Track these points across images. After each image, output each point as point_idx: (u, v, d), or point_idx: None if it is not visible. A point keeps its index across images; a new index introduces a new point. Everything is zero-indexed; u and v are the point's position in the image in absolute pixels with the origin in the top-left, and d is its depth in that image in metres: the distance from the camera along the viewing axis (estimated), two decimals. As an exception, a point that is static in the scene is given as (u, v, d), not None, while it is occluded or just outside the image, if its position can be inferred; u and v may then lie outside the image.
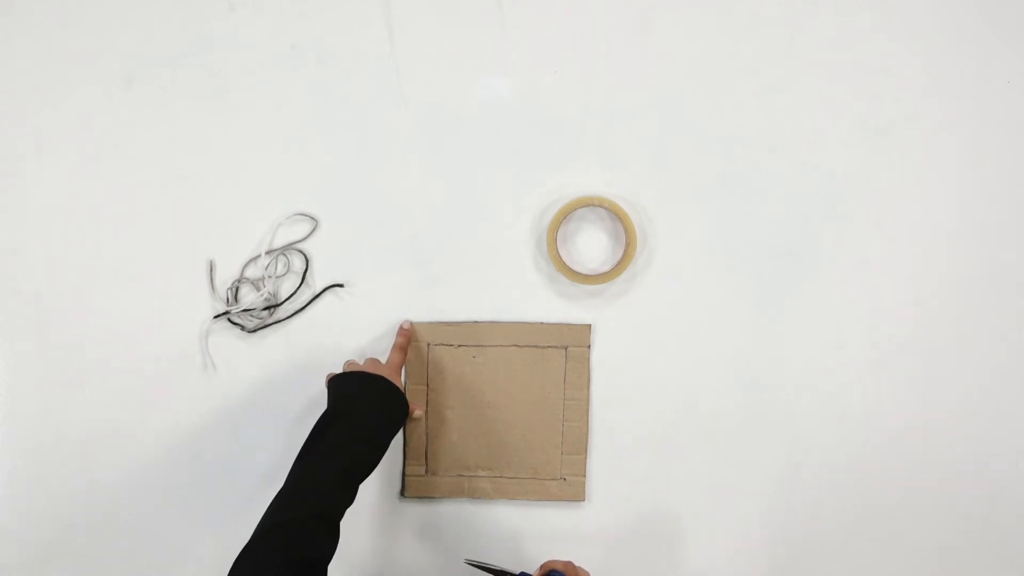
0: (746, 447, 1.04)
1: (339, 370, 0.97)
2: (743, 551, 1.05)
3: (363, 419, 0.88)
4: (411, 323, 1.03)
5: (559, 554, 1.04)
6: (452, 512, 1.06)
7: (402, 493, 1.05)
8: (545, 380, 1.03)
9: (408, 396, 1.03)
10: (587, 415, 1.03)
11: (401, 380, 0.94)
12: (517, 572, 0.91)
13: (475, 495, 1.05)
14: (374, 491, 1.05)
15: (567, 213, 1.00)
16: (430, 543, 1.06)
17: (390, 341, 1.03)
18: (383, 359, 0.99)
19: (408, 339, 1.02)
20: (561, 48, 1.01)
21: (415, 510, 1.06)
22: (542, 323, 1.03)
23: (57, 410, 1.04)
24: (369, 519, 1.03)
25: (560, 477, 1.05)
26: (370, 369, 0.94)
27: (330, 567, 0.89)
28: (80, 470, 1.05)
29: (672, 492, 1.04)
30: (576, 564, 0.88)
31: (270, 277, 1.02)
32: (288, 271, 1.03)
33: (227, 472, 1.05)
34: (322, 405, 1.03)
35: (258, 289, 1.02)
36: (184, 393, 1.04)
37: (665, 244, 1.02)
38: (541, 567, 0.88)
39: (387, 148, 1.02)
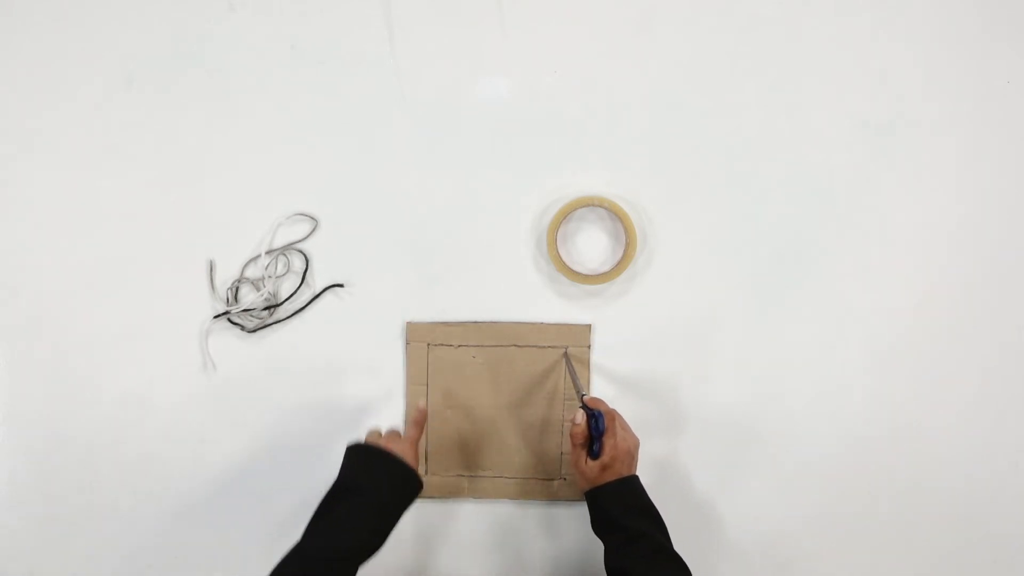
0: (746, 446, 1.04)
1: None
2: (743, 551, 1.05)
3: (371, 497, 0.87)
4: (426, 403, 1.02)
5: (562, 553, 1.05)
6: (452, 512, 1.06)
7: (402, 493, 1.05)
8: (545, 380, 1.03)
9: (408, 396, 1.03)
10: (587, 415, 1.03)
11: (418, 455, 0.94)
12: (582, 395, 0.96)
13: (475, 495, 1.05)
14: (374, 491, 1.05)
15: (567, 213, 1.00)
16: (430, 543, 1.06)
17: (390, 341, 1.03)
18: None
19: (424, 417, 1.00)
20: (561, 48, 1.01)
21: (415, 510, 1.05)
22: (542, 323, 1.03)
23: (57, 410, 1.05)
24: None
25: (560, 477, 1.05)
26: (387, 443, 0.92)
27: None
28: (80, 470, 1.05)
29: (671, 492, 1.04)
30: (621, 420, 0.93)
31: (270, 277, 1.02)
32: (288, 271, 1.03)
33: (227, 472, 1.05)
34: (322, 408, 1.04)
35: (258, 289, 1.02)
36: (184, 393, 1.04)
37: (665, 244, 1.02)
38: (590, 401, 0.94)
39: (387, 148, 1.02)
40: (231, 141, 1.02)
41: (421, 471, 1.04)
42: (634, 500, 0.89)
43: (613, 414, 0.92)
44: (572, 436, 0.92)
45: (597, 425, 0.91)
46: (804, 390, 1.03)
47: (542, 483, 1.05)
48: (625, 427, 0.93)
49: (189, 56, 1.01)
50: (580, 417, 0.92)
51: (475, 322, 1.03)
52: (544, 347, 1.03)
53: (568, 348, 1.02)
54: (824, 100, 1.00)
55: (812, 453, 1.04)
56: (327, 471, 1.04)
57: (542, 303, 1.03)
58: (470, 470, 1.05)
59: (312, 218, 1.03)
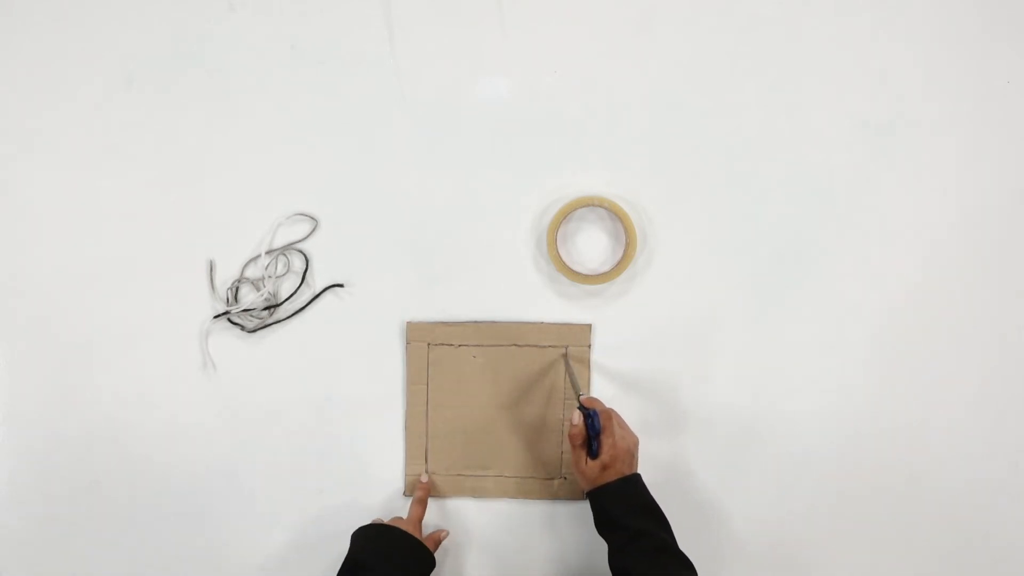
0: (746, 447, 1.04)
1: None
2: (743, 550, 1.05)
3: (384, 572, 0.88)
4: (429, 476, 1.03)
5: (563, 552, 1.05)
6: (453, 511, 1.06)
7: (404, 492, 1.05)
8: (545, 380, 1.03)
9: (408, 396, 1.03)
10: (587, 415, 1.04)
11: (421, 532, 0.96)
12: (579, 395, 0.96)
13: (476, 494, 1.05)
14: (377, 491, 1.05)
15: (567, 213, 1.00)
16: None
17: (390, 341, 1.03)
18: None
19: (427, 492, 1.02)
20: (561, 48, 1.01)
21: (415, 510, 1.06)
22: (542, 323, 1.03)
23: (57, 410, 1.04)
24: (372, 518, 1.03)
25: (560, 476, 1.05)
26: (391, 523, 0.94)
27: (334, 567, 0.89)
28: (80, 470, 1.05)
29: (672, 492, 1.04)
30: (618, 418, 0.93)
31: (270, 277, 1.02)
32: (288, 271, 1.03)
33: (227, 472, 1.05)
34: (322, 408, 1.04)
35: (258, 289, 1.02)
36: (184, 393, 1.04)
37: (665, 244, 1.02)
38: (586, 400, 0.94)
39: (387, 148, 1.02)
40: (231, 141, 1.02)
41: (421, 470, 1.05)
42: (636, 499, 0.89)
43: (610, 413, 0.92)
44: (570, 437, 0.92)
45: (593, 424, 0.91)
46: (804, 390, 1.03)
47: (542, 482, 1.05)
48: (623, 425, 0.93)
49: (189, 56, 1.01)
50: (577, 418, 0.92)
51: (475, 322, 1.03)
52: (544, 347, 1.03)
53: (568, 347, 1.02)
54: (824, 100, 1.00)
55: (812, 453, 1.04)
56: (327, 471, 1.05)
57: (542, 303, 1.03)
58: (470, 469, 1.05)
59: (312, 218, 1.03)
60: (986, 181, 1.01)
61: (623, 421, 0.94)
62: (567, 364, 1.02)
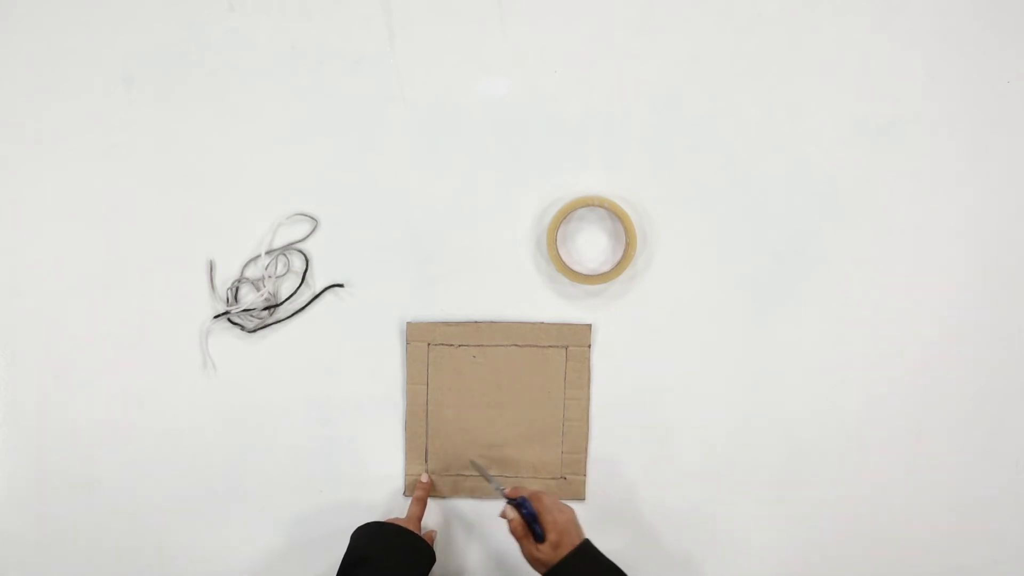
0: (746, 447, 1.04)
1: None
2: (743, 550, 1.05)
3: (385, 568, 0.88)
4: (429, 476, 1.04)
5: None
6: (453, 511, 1.06)
7: (404, 493, 1.05)
8: (545, 380, 1.03)
9: (408, 396, 1.03)
10: (587, 414, 1.03)
11: (420, 530, 0.97)
12: (499, 489, 0.95)
13: (476, 494, 1.05)
14: (377, 491, 1.05)
15: (567, 213, 1.00)
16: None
17: (390, 341, 1.03)
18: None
19: (427, 492, 1.02)
20: (561, 48, 1.01)
21: (415, 510, 1.06)
22: (542, 323, 1.03)
23: (57, 410, 1.05)
24: (372, 518, 1.03)
25: (560, 476, 1.05)
26: (390, 521, 0.94)
27: (334, 567, 0.89)
28: (80, 470, 1.05)
29: (672, 492, 1.04)
30: (546, 495, 0.91)
31: (270, 277, 1.02)
32: (288, 271, 1.03)
33: (226, 472, 1.05)
34: (322, 409, 1.04)
35: (258, 289, 1.02)
36: (184, 393, 1.04)
37: (665, 244, 1.02)
38: (511, 492, 0.93)
39: (387, 148, 1.02)
40: (231, 141, 1.02)
41: (421, 470, 1.05)
42: (595, 565, 0.88)
43: (538, 494, 0.91)
44: (513, 532, 0.90)
45: (528, 510, 0.89)
46: (804, 390, 1.03)
47: (542, 483, 1.05)
48: (554, 500, 0.91)
49: (189, 56, 1.01)
50: (511, 512, 0.91)
51: (475, 322, 1.03)
52: (544, 347, 1.03)
53: (474, 459, 1.03)
54: (824, 100, 1.00)
55: (812, 452, 1.04)
56: (327, 471, 1.05)
57: (542, 303, 1.03)
58: (470, 469, 1.05)
59: (312, 218, 1.03)
60: (986, 181, 1.01)
61: (553, 496, 0.92)
62: (477, 466, 1.02)
